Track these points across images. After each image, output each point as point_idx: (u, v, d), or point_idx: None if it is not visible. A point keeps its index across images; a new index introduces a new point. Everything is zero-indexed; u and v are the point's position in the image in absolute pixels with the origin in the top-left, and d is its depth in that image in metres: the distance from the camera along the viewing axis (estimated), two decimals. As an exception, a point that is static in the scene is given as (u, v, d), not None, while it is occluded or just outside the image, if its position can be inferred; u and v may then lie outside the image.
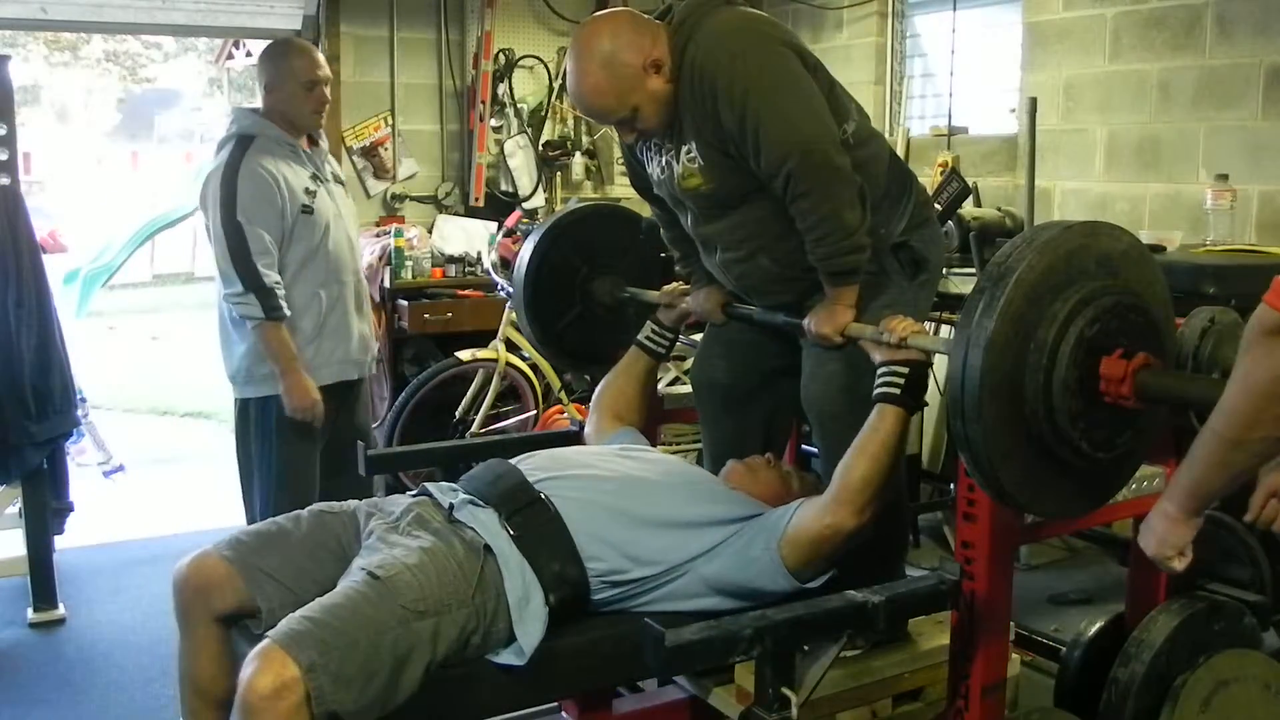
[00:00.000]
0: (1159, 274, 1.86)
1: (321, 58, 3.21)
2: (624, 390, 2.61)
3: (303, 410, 3.07)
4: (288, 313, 3.05)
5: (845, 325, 2.17)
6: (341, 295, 3.21)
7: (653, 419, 2.82)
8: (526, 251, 2.84)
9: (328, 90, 3.18)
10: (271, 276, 3.02)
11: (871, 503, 1.99)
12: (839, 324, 2.17)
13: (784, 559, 2.00)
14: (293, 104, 3.14)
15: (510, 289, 3.44)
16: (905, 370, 2.02)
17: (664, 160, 2.29)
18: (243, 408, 3.20)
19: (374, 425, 4.93)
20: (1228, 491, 1.58)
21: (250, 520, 3.14)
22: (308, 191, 3.12)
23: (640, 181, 2.48)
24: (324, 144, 3.30)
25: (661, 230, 2.60)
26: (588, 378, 4.53)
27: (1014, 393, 1.69)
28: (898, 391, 2.02)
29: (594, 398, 2.64)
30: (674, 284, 2.68)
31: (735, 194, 2.22)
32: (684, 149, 2.21)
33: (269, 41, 3.33)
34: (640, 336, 2.65)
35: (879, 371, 2.05)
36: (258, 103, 3.25)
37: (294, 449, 3.15)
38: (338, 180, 3.31)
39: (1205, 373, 2.06)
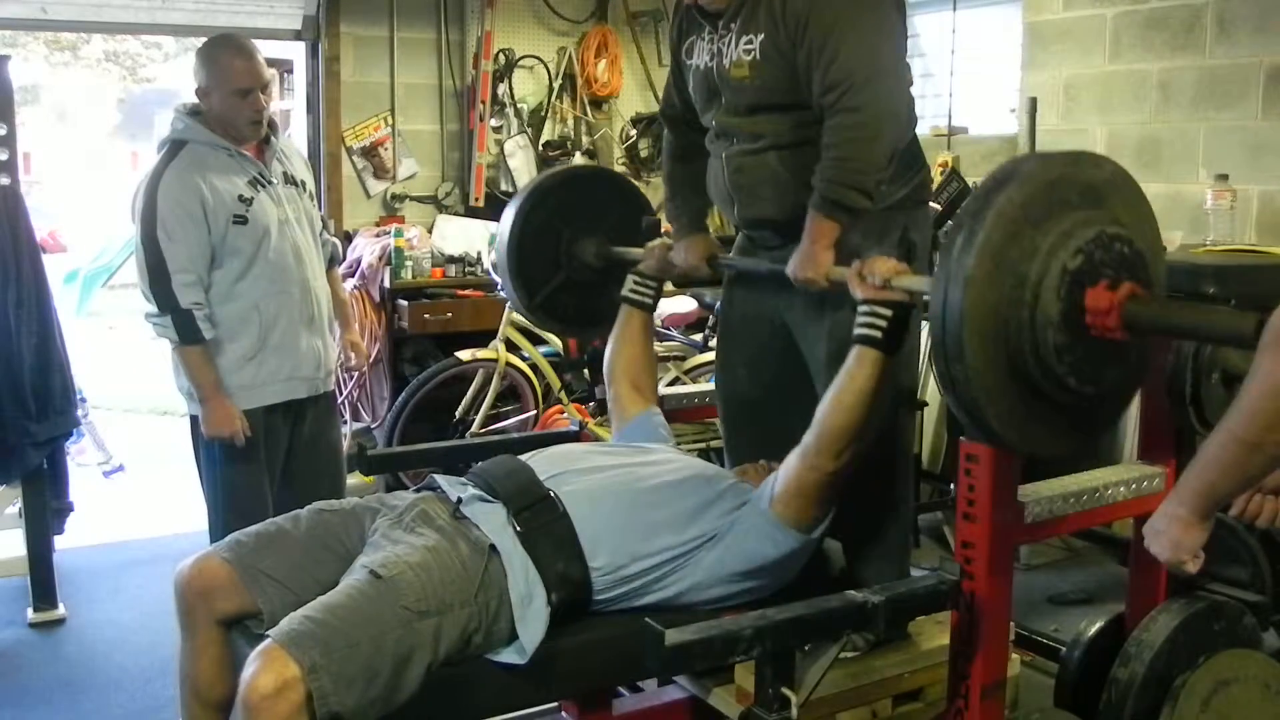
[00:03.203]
0: (1144, 200, 1.82)
1: (261, 60, 2.93)
2: (630, 355, 2.60)
3: (220, 436, 2.90)
4: (207, 336, 2.86)
5: (827, 267, 2.16)
6: (285, 308, 2.98)
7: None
8: (507, 220, 2.78)
9: (265, 97, 2.91)
10: (189, 297, 2.82)
11: (850, 447, 1.98)
12: (821, 267, 2.16)
13: (778, 515, 2.03)
14: (226, 112, 2.89)
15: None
16: (888, 312, 1.97)
17: (715, 47, 2.29)
18: (192, 423, 3.03)
19: (374, 425, 4.96)
20: (1242, 493, 1.56)
21: (211, 536, 2.96)
22: (241, 199, 2.88)
23: (677, 93, 2.51)
24: (278, 141, 3.04)
25: (663, 160, 2.64)
26: (587, 376, 4.53)
27: (998, 329, 1.65)
28: (878, 335, 1.97)
29: (605, 370, 2.64)
30: (657, 240, 2.66)
31: (773, 94, 2.21)
32: (745, 39, 2.21)
33: (205, 40, 3.05)
34: (624, 291, 2.63)
35: (859, 310, 2.01)
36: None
37: (234, 469, 2.97)
38: (291, 181, 3.04)
39: (1205, 375, 2.06)
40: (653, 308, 2.65)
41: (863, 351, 1.98)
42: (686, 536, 2.07)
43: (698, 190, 2.56)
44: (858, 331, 2.00)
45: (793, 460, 2.04)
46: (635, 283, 2.63)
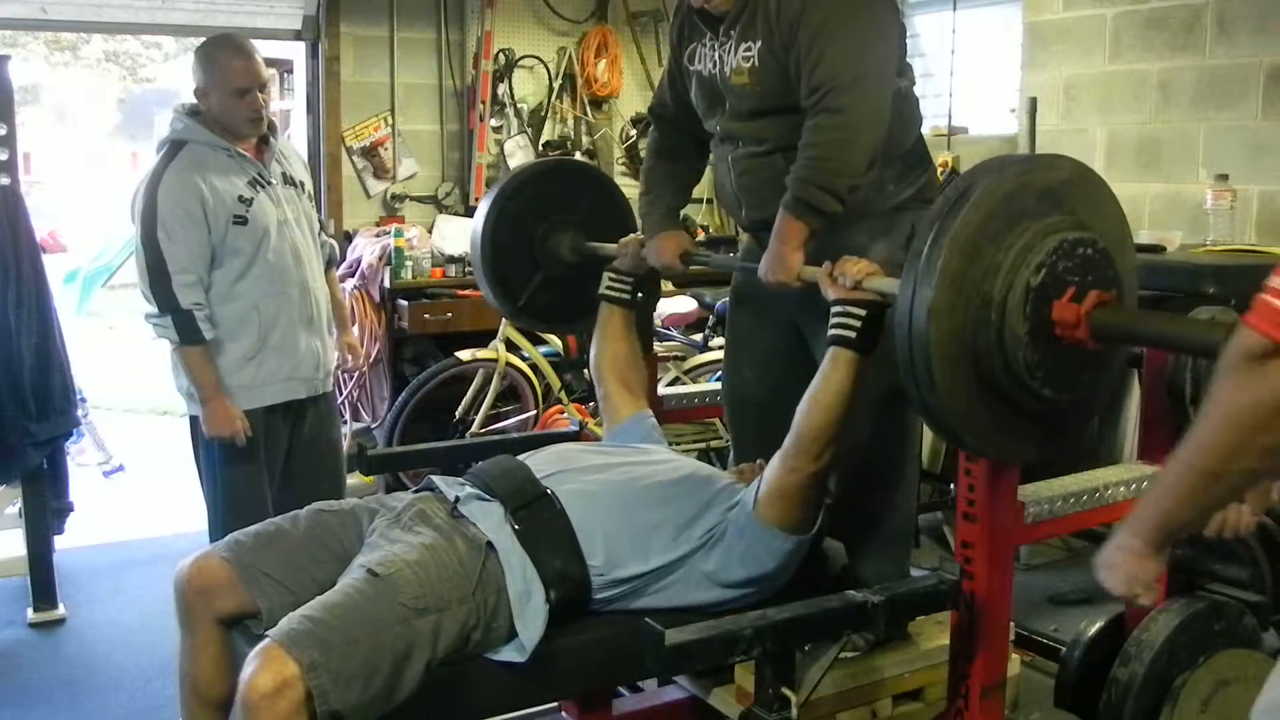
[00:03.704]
0: (1108, 194, 1.80)
1: (259, 60, 2.93)
2: (615, 352, 2.59)
3: (221, 436, 2.90)
4: (208, 336, 2.86)
5: (798, 269, 2.15)
6: (284, 309, 2.97)
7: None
8: (476, 232, 2.76)
9: (264, 96, 2.92)
10: (189, 298, 2.82)
11: (828, 448, 1.98)
12: (792, 269, 2.15)
13: (762, 518, 2.03)
14: (224, 111, 2.89)
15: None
16: (861, 312, 1.96)
17: (717, 55, 2.30)
18: (192, 424, 3.03)
19: (374, 425, 4.96)
20: (1200, 524, 1.49)
21: (211, 536, 2.95)
22: (241, 199, 2.88)
23: (672, 94, 2.51)
24: (277, 142, 3.04)
25: (645, 156, 2.63)
26: (587, 376, 4.52)
27: (966, 354, 1.65)
28: (852, 335, 1.96)
29: (592, 370, 2.64)
30: (630, 236, 2.64)
31: (774, 98, 2.22)
32: (744, 46, 2.22)
33: (203, 40, 3.05)
34: (602, 289, 2.63)
35: (832, 311, 2.00)
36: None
37: (234, 469, 2.97)
38: (290, 182, 3.04)
39: (1206, 375, 2.05)
40: (633, 304, 2.62)
41: (837, 353, 1.97)
42: (683, 538, 2.08)
43: (674, 189, 2.56)
44: (831, 333, 1.99)
45: (774, 463, 2.04)
46: (611, 279, 2.61)
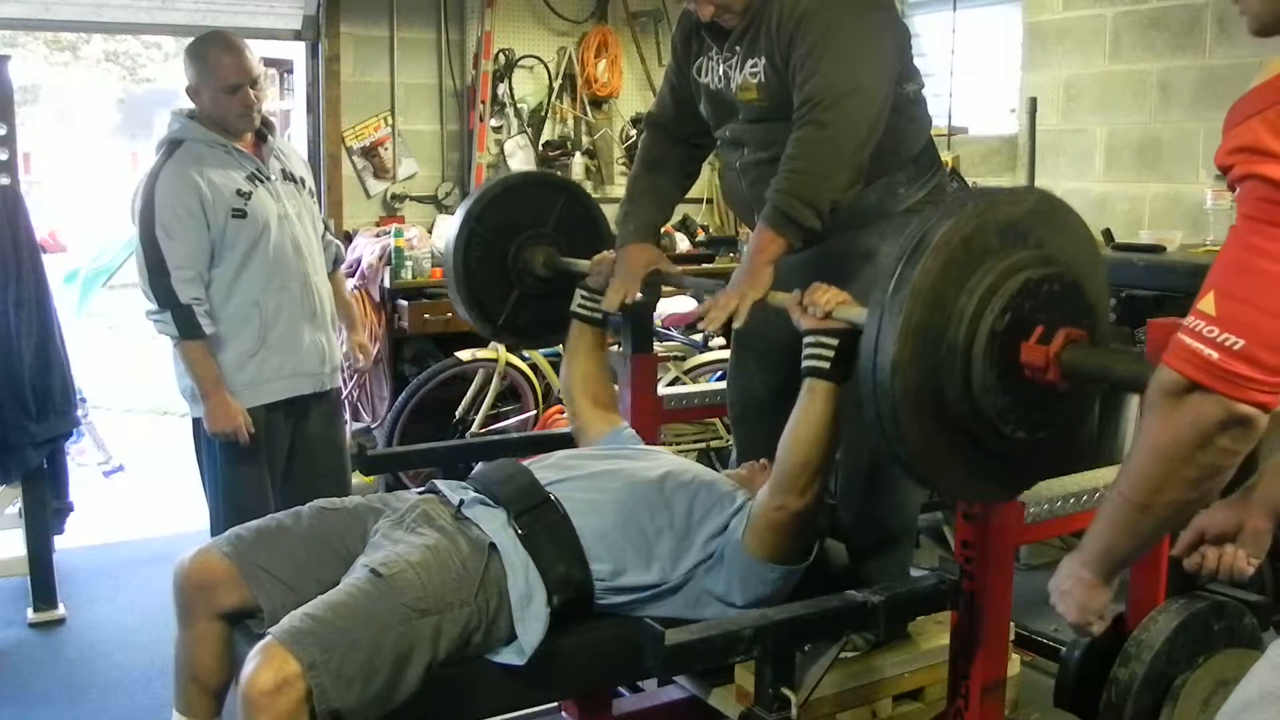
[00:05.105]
0: (1077, 223, 1.75)
1: (250, 55, 2.92)
2: (585, 371, 2.56)
3: (223, 433, 2.90)
4: (208, 331, 2.87)
5: (769, 285, 2.12)
6: (285, 304, 2.98)
7: (653, 419, 2.82)
8: (448, 252, 2.74)
9: (255, 91, 2.91)
10: (189, 293, 2.83)
11: (814, 482, 1.95)
12: (764, 284, 2.13)
13: (752, 552, 2.00)
14: (216, 108, 2.89)
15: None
16: (833, 342, 1.92)
17: (723, 70, 2.30)
18: (194, 424, 3.06)
19: (374, 425, 4.96)
20: (1140, 556, 1.52)
21: (212, 533, 2.92)
22: (239, 193, 2.89)
23: (674, 102, 2.50)
24: (275, 139, 3.05)
25: (633, 165, 2.61)
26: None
27: (935, 405, 1.61)
28: (826, 365, 1.92)
29: (562, 388, 2.61)
30: (602, 253, 2.62)
31: (782, 110, 2.21)
32: (750, 62, 2.22)
33: (191, 40, 3.04)
34: (573, 306, 2.59)
35: (804, 341, 1.96)
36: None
37: (236, 469, 2.98)
38: (289, 178, 3.05)
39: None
40: (605, 323, 2.59)
41: (813, 384, 1.94)
42: (685, 546, 2.07)
43: (656, 203, 2.54)
44: (805, 364, 1.95)
45: (762, 497, 2.01)
46: (584, 298, 2.58)
